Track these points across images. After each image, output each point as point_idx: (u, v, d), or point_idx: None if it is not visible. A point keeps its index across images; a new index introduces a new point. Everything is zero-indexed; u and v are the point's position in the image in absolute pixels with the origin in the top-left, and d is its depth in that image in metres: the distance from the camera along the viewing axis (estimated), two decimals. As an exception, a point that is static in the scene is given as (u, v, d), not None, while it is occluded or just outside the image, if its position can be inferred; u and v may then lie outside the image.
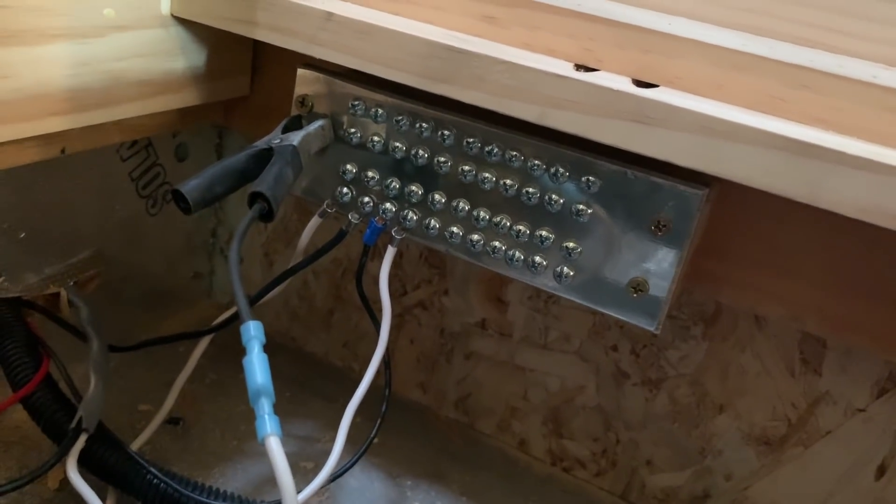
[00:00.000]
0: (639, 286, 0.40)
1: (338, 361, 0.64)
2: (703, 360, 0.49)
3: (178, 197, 0.38)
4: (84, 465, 0.43)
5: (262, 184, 0.38)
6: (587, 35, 0.39)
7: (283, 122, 0.44)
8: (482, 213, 0.42)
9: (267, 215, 0.38)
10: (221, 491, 0.45)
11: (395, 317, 0.46)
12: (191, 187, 0.38)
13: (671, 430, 0.52)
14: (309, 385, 0.60)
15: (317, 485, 0.40)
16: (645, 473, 0.54)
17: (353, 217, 0.46)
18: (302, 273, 0.49)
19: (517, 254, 0.42)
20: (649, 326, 0.40)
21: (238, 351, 0.59)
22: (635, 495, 0.54)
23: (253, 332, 0.32)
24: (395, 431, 0.56)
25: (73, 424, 0.43)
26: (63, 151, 0.44)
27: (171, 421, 0.53)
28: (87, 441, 0.43)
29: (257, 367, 0.31)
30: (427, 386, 0.60)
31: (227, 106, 0.55)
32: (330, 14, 0.40)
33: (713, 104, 0.36)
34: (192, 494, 0.43)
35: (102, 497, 0.43)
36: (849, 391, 0.46)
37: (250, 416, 0.55)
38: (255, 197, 0.38)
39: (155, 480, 0.43)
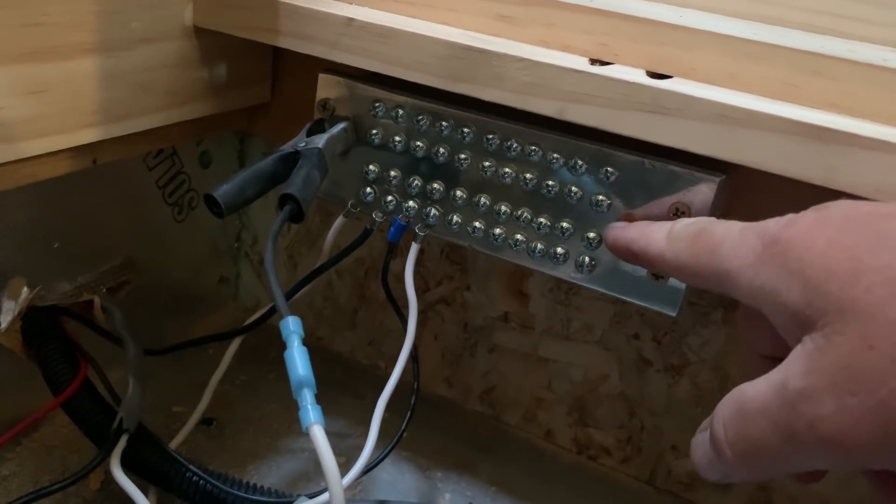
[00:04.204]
0: (659, 273, 0.41)
1: (363, 359, 0.65)
2: (723, 345, 0.50)
3: (211, 201, 0.39)
4: (125, 464, 0.44)
5: (292, 186, 0.40)
6: (601, 30, 0.40)
7: (307, 126, 0.46)
8: (503, 208, 0.44)
9: (297, 216, 0.40)
10: (259, 486, 0.46)
11: (419, 313, 0.47)
12: (223, 192, 0.39)
13: (695, 415, 0.53)
14: (336, 383, 0.62)
15: (355, 473, 0.41)
16: (670, 459, 0.54)
17: (376, 216, 0.47)
18: (325, 274, 0.51)
19: (539, 246, 0.43)
20: (670, 312, 0.41)
21: (265, 351, 0.60)
22: (661, 480, 0.55)
23: (292, 327, 0.33)
24: (422, 425, 0.57)
25: (115, 425, 0.44)
26: (94, 162, 0.45)
27: (205, 421, 0.54)
28: (127, 441, 0.44)
29: (298, 360, 0.32)
30: (452, 380, 0.61)
31: (249, 112, 0.56)
32: (350, 20, 0.42)
33: (728, 92, 0.36)
34: (232, 490, 0.44)
35: (144, 496, 0.45)
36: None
37: (281, 415, 0.57)
38: (285, 199, 0.40)
39: (195, 478, 0.44)
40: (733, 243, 0.29)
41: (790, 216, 0.28)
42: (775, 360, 0.30)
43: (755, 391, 0.27)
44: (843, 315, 0.24)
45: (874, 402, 0.23)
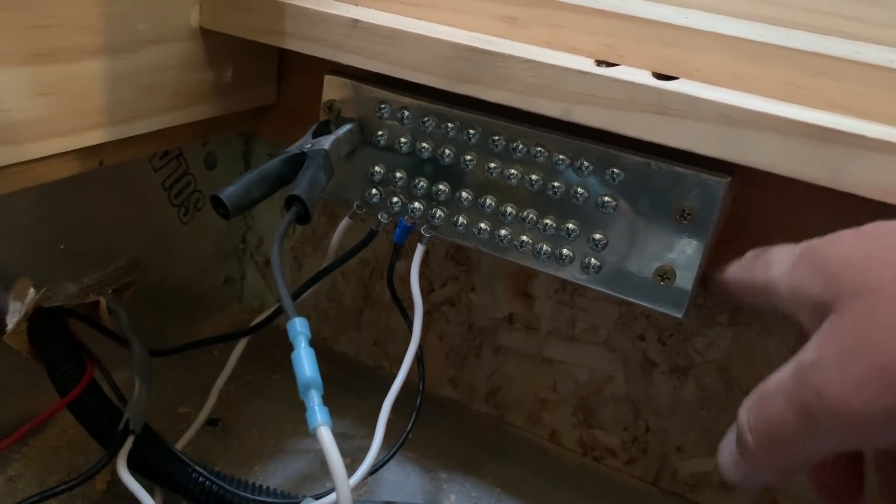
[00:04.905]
0: (665, 274, 0.41)
1: (368, 360, 0.65)
2: (729, 347, 0.50)
3: (217, 203, 0.40)
4: (131, 465, 0.44)
5: (298, 187, 0.40)
6: (607, 31, 0.40)
7: (313, 128, 0.46)
8: (509, 209, 0.44)
9: (303, 218, 0.40)
10: (264, 487, 0.46)
11: (424, 314, 0.47)
12: (229, 193, 0.39)
13: (700, 417, 0.53)
14: (341, 384, 0.62)
15: (361, 475, 0.41)
16: (675, 460, 0.54)
17: (382, 217, 0.47)
18: (330, 275, 0.51)
19: (545, 247, 0.43)
20: (676, 314, 0.41)
21: (270, 352, 0.60)
22: (666, 482, 0.55)
23: (299, 329, 0.33)
24: (427, 427, 0.57)
25: (121, 426, 0.44)
26: (101, 163, 0.46)
27: (211, 422, 0.54)
28: (134, 442, 0.44)
29: (305, 361, 0.32)
30: (457, 381, 0.62)
31: (255, 114, 0.56)
32: (356, 21, 0.42)
33: (733, 94, 0.37)
34: (238, 491, 0.44)
35: (150, 496, 0.45)
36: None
37: (286, 416, 0.57)
38: (291, 200, 0.40)
39: (201, 479, 0.44)
40: (781, 258, 0.32)
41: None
42: None
43: (775, 375, 0.29)
44: (854, 297, 0.27)
45: (876, 369, 0.25)
